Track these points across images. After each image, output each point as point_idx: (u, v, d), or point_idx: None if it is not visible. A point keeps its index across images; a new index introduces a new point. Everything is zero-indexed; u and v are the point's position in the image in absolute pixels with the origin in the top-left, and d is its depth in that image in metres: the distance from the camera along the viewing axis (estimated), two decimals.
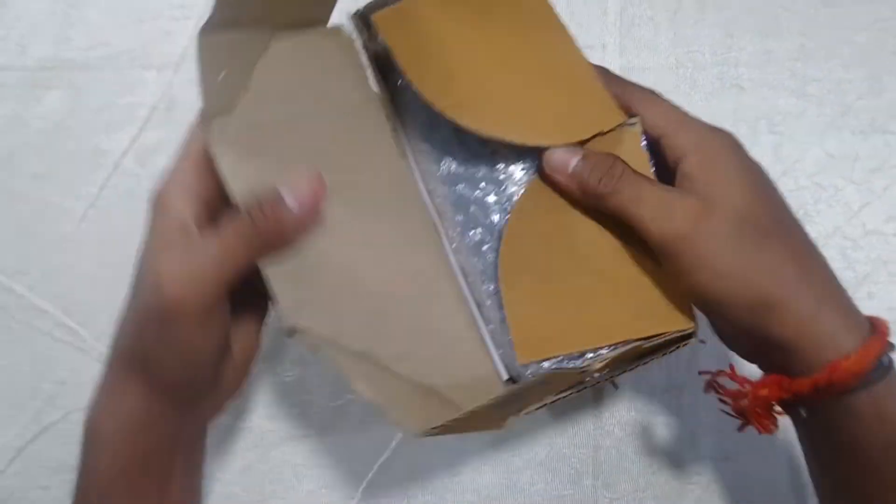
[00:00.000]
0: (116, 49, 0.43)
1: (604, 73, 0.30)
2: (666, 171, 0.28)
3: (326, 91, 0.30)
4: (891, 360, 0.25)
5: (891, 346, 0.24)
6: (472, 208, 0.31)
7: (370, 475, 0.37)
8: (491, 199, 0.31)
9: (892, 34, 0.42)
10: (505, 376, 0.29)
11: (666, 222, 0.26)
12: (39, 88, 0.42)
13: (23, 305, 0.39)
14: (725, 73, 0.42)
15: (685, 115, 0.29)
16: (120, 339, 0.26)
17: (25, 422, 0.38)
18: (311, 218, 0.25)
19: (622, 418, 0.37)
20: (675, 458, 0.37)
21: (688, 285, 0.26)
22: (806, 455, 0.28)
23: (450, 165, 0.31)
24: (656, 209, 0.26)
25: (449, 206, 0.31)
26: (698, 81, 0.42)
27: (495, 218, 0.31)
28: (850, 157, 0.40)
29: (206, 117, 0.27)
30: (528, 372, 0.29)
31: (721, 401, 0.27)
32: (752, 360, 0.27)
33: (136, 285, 0.25)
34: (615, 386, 0.33)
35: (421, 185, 0.31)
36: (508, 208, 0.30)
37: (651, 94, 0.29)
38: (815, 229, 0.39)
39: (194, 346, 0.24)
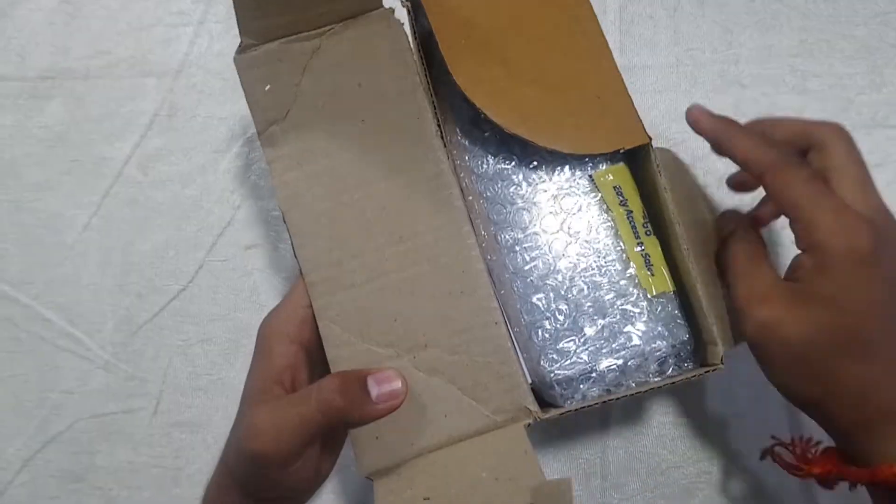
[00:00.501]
0: (116, 57, 0.43)
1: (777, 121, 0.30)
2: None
3: (376, 88, 0.30)
4: None
5: None
6: (508, 209, 0.31)
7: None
8: (526, 201, 0.32)
9: (893, 27, 0.42)
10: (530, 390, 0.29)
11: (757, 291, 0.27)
12: (40, 98, 0.43)
13: (28, 315, 0.39)
14: (726, 70, 0.42)
15: (817, 199, 0.26)
16: (226, 452, 0.29)
17: (32, 432, 0.38)
18: (386, 413, 0.26)
19: (630, 418, 0.37)
20: (683, 457, 0.37)
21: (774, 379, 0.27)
22: None
23: (489, 164, 0.32)
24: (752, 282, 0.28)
25: (485, 204, 0.31)
26: (699, 79, 0.42)
27: (527, 220, 0.31)
28: None
29: (260, 133, 0.30)
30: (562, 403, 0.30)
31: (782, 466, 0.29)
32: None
33: (238, 418, 0.28)
34: None
35: (459, 182, 0.31)
36: (543, 211, 0.31)
37: (775, 165, 0.27)
38: None
39: (278, 482, 0.27)
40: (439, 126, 0.30)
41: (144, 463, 0.37)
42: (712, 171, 0.40)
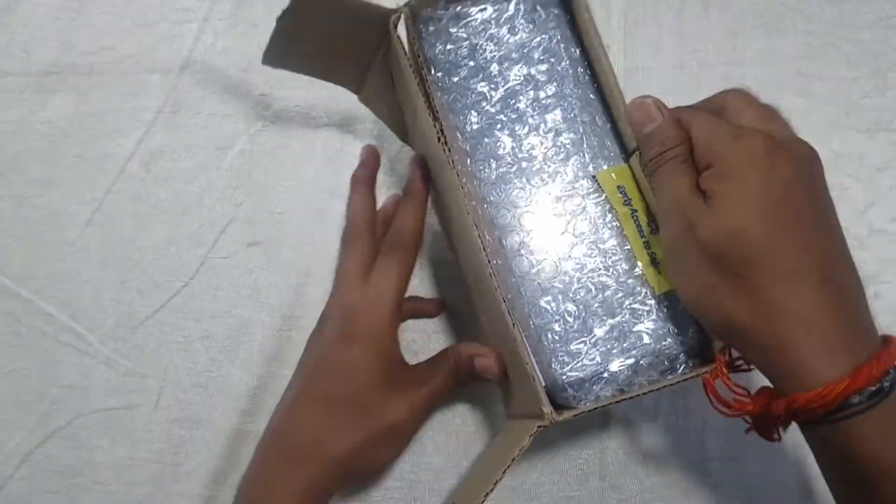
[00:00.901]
0: (121, 53, 0.43)
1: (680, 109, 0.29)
2: None
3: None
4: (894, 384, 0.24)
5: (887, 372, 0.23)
6: (512, 213, 0.31)
7: (376, 479, 0.37)
8: (530, 203, 0.32)
9: None
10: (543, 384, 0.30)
11: (662, 227, 0.28)
12: (44, 93, 0.43)
13: (29, 310, 0.40)
14: (730, 73, 0.42)
15: (727, 123, 0.27)
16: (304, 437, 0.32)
17: (32, 426, 0.38)
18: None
19: (629, 419, 0.37)
20: (682, 458, 0.36)
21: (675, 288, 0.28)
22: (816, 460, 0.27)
23: (492, 169, 0.32)
24: (663, 211, 0.28)
25: (489, 209, 0.32)
26: (703, 81, 0.42)
27: (530, 224, 0.31)
28: (856, 156, 0.40)
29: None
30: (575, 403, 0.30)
31: (717, 408, 0.27)
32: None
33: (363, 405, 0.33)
34: None
35: (462, 188, 0.31)
36: (547, 213, 0.32)
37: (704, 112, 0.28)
38: None
39: (396, 455, 0.35)
40: (441, 132, 0.30)
41: (144, 459, 0.38)
42: None
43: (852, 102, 0.41)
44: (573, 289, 0.30)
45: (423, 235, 0.36)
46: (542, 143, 0.32)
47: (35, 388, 0.39)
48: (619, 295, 0.30)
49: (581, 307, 0.30)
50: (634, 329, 0.30)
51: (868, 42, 0.42)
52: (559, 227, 0.31)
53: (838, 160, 0.40)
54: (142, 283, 0.40)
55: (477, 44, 0.33)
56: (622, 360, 0.30)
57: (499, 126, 0.32)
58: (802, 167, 0.26)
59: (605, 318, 0.30)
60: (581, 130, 0.32)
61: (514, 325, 0.29)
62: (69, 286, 0.40)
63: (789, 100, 0.41)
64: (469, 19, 0.33)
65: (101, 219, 0.41)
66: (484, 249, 0.30)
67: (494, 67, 0.32)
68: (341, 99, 0.38)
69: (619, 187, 0.31)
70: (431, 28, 0.33)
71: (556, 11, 0.33)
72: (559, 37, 0.33)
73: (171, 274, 0.40)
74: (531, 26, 0.33)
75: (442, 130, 0.31)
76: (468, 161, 0.32)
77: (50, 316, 0.39)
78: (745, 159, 0.25)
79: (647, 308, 0.30)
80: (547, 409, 0.28)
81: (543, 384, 0.29)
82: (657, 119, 0.28)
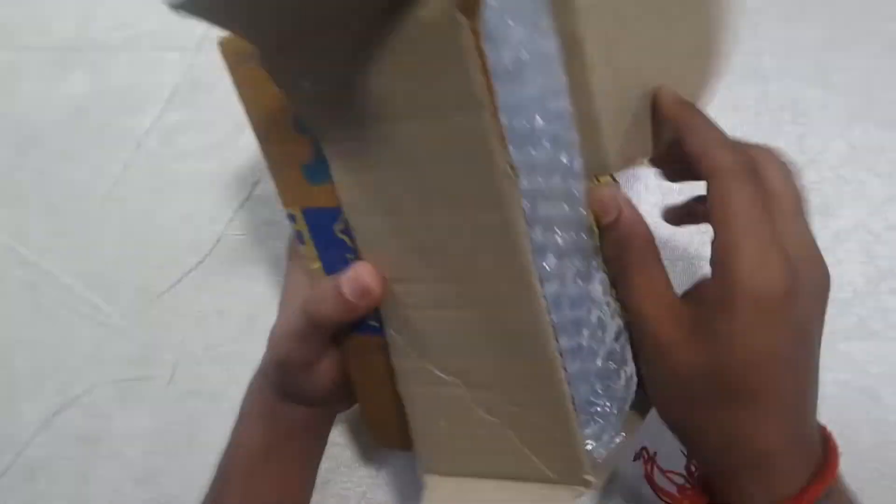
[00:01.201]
0: (139, 30, 0.44)
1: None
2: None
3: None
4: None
5: (835, 481, 0.24)
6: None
7: (385, 456, 0.37)
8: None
9: None
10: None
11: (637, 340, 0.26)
12: (64, 68, 0.43)
13: (49, 282, 0.40)
14: (748, 63, 0.41)
15: (746, 221, 0.23)
16: (263, 357, 0.32)
17: (51, 394, 0.39)
18: (366, 308, 0.27)
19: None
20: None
21: (655, 403, 0.26)
22: None
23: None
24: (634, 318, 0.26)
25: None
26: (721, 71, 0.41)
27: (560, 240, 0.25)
28: (875, 150, 0.40)
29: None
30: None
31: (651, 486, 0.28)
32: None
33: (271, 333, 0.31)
34: None
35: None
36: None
37: (724, 170, 0.24)
38: (837, 223, 0.39)
39: (301, 383, 0.30)
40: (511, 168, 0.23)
41: (159, 429, 0.38)
42: None
43: (873, 95, 0.40)
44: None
45: None
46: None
47: (53, 358, 0.39)
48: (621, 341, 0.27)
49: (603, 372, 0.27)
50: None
51: (891, 33, 0.41)
52: None
53: (857, 154, 0.40)
54: (159, 258, 0.40)
55: None
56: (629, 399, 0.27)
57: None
58: (817, 297, 0.25)
59: (620, 370, 0.27)
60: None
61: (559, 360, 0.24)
62: (88, 258, 0.41)
63: (808, 90, 0.41)
64: None
65: (120, 192, 0.41)
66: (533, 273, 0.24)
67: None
68: None
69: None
70: None
71: None
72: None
73: (188, 249, 0.40)
74: None
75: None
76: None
77: (68, 287, 0.40)
78: (759, 300, 0.23)
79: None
80: (591, 477, 0.25)
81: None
82: (612, 215, 0.25)
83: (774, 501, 0.24)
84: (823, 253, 0.37)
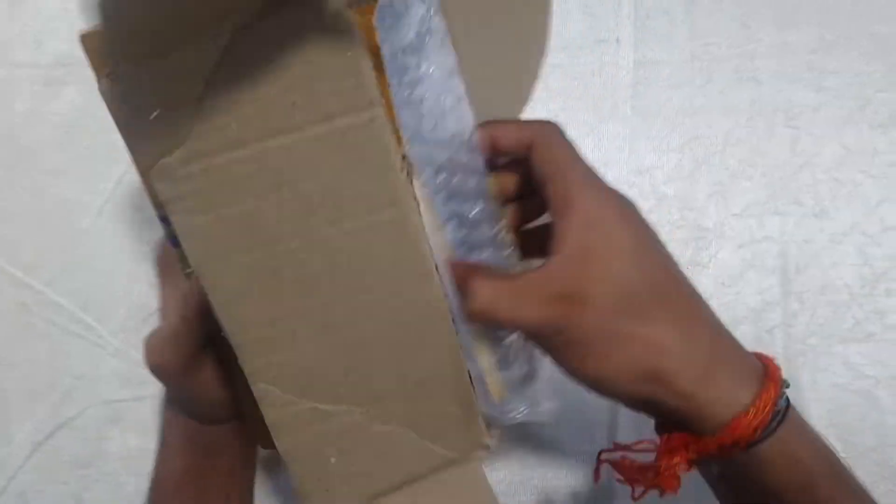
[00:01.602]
0: None
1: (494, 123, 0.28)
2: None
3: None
4: (787, 401, 0.24)
5: (785, 384, 0.25)
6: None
7: None
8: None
9: None
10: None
11: (535, 313, 0.24)
12: (55, 84, 0.43)
13: (40, 301, 0.40)
14: (742, 66, 0.41)
15: (574, 160, 0.26)
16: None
17: (43, 416, 0.38)
18: None
19: (636, 419, 0.37)
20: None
21: (570, 370, 0.25)
22: (720, 500, 0.28)
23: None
24: (517, 303, 0.24)
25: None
26: (714, 74, 0.41)
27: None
28: (869, 152, 0.40)
29: (144, 168, 0.23)
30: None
31: (619, 478, 0.27)
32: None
33: None
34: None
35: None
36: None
37: (548, 128, 0.26)
38: (832, 225, 0.39)
39: (188, 394, 0.30)
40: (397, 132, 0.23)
41: (154, 450, 0.38)
42: (726, 168, 0.40)
43: (866, 97, 0.40)
44: None
45: None
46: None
47: (46, 379, 0.39)
48: None
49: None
50: None
51: (884, 36, 0.41)
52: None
53: (851, 156, 0.40)
54: (152, 275, 0.40)
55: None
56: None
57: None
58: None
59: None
60: None
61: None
62: (80, 277, 0.40)
63: (801, 93, 0.41)
64: None
65: (112, 209, 0.41)
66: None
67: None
68: None
69: None
70: None
71: None
72: None
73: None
74: None
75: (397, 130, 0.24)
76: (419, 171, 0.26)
77: (61, 306, 0.40)
78: (608, 211, 0.25)
79: None
80: (487, 440, 0.26)
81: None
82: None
83: (730, 417, 0.23)
84: (819, 255, 0.37)
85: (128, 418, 0.38)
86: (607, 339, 0.24)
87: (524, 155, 0.26)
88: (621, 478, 0.27)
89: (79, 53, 0.46)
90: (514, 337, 0.27)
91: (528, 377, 0.28)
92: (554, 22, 0.44)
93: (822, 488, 0.24)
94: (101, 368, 0.39)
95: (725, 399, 0.24)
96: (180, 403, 0.31)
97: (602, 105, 0.42)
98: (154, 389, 0.39)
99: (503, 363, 0.27)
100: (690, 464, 0.25)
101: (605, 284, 0.24)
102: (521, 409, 0.27)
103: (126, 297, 0.40)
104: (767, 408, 0.23)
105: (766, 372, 0.25)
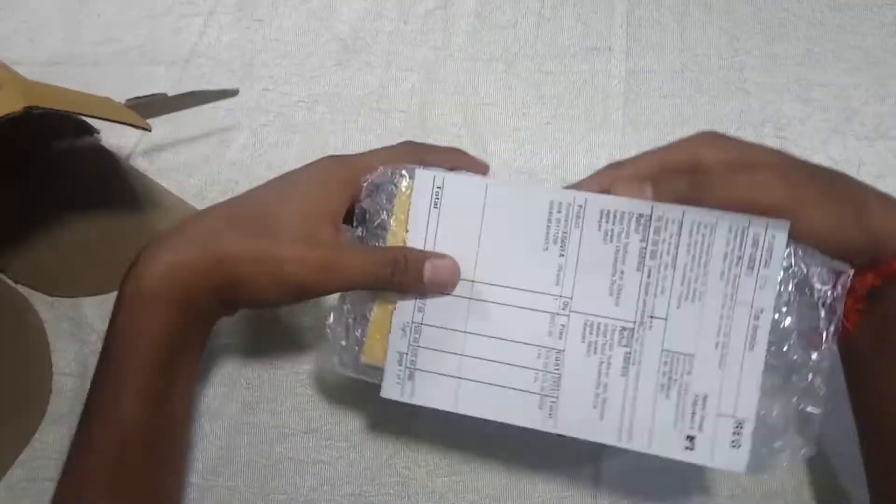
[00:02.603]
0: (126, 44, 0.44)
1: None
2: None
3: None
4: None
5: None
6: None
7: (371, 473, 0.37)
8: None
9: None
10: None
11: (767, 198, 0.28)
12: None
13: (36, 300, 0.40)
14: (731, 77, 0.42)
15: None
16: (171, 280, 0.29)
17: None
18: (430, 293, 0.29)
19: (622, 472, 0.37)
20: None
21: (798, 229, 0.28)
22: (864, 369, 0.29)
23: None
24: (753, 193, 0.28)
25: None
26: (703, 85, 0.42)
27: None
28: (855, 163, 0.40)
29: None
30: None
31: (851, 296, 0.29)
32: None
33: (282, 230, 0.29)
34: None
35: None
36: None
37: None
38: None
39: (281, 299, 0.30)
40: None
41: None
42: None
43: (852, 109, 0.41)
44: None
45: None
46: None
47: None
48: None
49: None
50: None
51: (870, 48, 0.42)
52: None
53: (837, 167, 0.40)
54: None
55: None
56: None
57: None
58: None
59: None
60: None
61: None
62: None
63: (789, 105, 0.41)
64: None
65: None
66: None
67: None
68: (344, 95, 0.38)
69: None
70: None
71: None
72: None
73: None
74: None
75: None
76: None
77: (56, 307, 0.40)
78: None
79: None
80: None
81: None
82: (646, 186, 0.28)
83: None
84: None
85: None
86: (817, 205, 0.28)
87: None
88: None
89: (75, 51, 0.46)
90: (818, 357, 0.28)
91: (801, 413, 0.28)
92: (547, 29, 0.44)
93: None
94: (91, 366, 0.39)
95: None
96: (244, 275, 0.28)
97: (594, 113, 0.42)
98: None
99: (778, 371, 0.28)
100: (874, 287, 0.28)
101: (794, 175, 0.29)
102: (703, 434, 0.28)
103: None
104: None
105: None
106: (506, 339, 0.29)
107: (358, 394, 0.37)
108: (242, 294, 0.29)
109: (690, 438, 0.27)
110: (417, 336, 0.29)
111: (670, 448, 0.27)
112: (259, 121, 0.42)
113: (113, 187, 0.40)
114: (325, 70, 0.44)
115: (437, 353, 0.29)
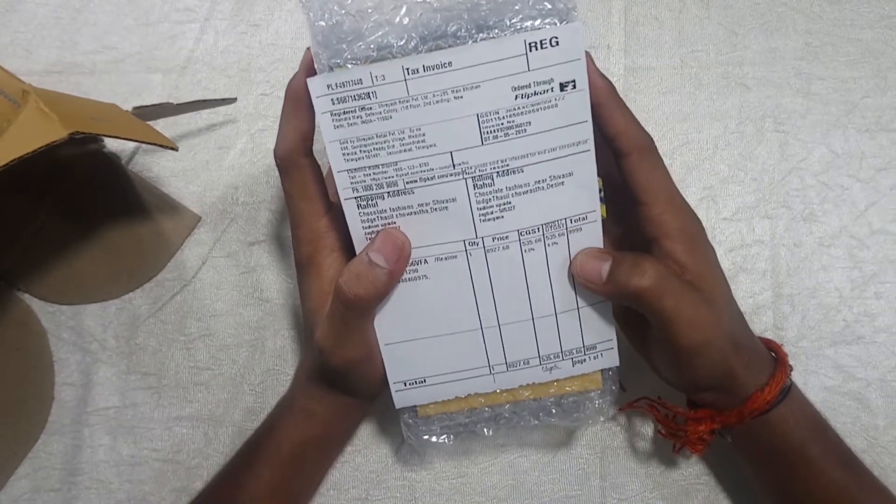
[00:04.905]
0: (122, 53, 0.44)
1: (613, 96, 0.28)
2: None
3: None
4: (791, 380, 0.30)
5: (791, 368, 0.31)
6: None
7: (378, 476, 0.37)
8: None
9: None
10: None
11: (692, 330, 0.28)
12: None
13: (33, 306, 0.40)
14: (730, 72, 0.42)
15: (671, 187, 0.29)
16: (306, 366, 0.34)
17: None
18: (403, 268, 0.28)
19: (630, 419, 0.37)
20: (682, 458, 0.37)
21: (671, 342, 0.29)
22: (743, 462, 0.33)
23: None
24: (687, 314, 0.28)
25: None
26: (703, 80, 0.42)
27: None
28: (857, 156, 0.40)
29: None
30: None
31: (659, 430, 0.33)
32: (690, 395, 0.32)
33: (307, 338, 0.33)
34: (623, 388, 0.33)
35: None
36: None
37: (646, 147, 0.28)
38: (822, 229, 0.39)
39: (364, 377, 0.31)
40: None
41: (145, 457, 0.38)
42: (716, 173, 0.40)
43: (853, 102, 0.41)
44: None
45: None
46: None
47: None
48: None
49: None
50: None
51: (869, 41, 0.42)
52: None
53: (838, 160, 0.40)
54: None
55: None
56: None
57: None
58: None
59: None
60: None
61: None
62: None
63: (789, 99, 0.41)
64: None
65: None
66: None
67: None
68: None
69: None
70: None
71: None
72: None
73: (173, 272, 0.40)
74: None
75: None
76: None
77: (52, 313, 0.40)
78: (700, 235, 0.30)
79: None
80: None
81: None
82: (605, 257, 0.28)
83: (750, 393, 0.29)
84: (809, 259, 0.39)
85: (120, 426, 0.38)
86: (720, 340, 0.28)
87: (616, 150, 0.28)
88: (662, 429, 0.33)
89: (71, 60, 0.46)
90: None
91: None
92: None
93: (814, 445, 0.30)
94: (93, 376, 0.39)
95: (751, 380, 0.29)
96: (332, 381, 0.31)
97: None
98: (146, 397, 0.38)
99: None
100: (713, 432, 0.31)
101: (723, 304, 0.29)
102: None
103: (117, 305, 0.40)
104: (780, 383, 0.29)
105: (778, 356, 0.31)
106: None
107: None
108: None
109: None
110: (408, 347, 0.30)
111: None
112: (257, 125, 0.42)
113: (116, 194, 0.40)
114: None
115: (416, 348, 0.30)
